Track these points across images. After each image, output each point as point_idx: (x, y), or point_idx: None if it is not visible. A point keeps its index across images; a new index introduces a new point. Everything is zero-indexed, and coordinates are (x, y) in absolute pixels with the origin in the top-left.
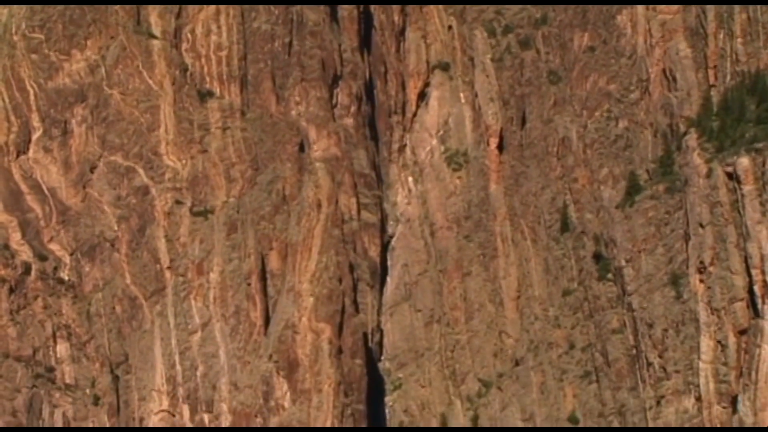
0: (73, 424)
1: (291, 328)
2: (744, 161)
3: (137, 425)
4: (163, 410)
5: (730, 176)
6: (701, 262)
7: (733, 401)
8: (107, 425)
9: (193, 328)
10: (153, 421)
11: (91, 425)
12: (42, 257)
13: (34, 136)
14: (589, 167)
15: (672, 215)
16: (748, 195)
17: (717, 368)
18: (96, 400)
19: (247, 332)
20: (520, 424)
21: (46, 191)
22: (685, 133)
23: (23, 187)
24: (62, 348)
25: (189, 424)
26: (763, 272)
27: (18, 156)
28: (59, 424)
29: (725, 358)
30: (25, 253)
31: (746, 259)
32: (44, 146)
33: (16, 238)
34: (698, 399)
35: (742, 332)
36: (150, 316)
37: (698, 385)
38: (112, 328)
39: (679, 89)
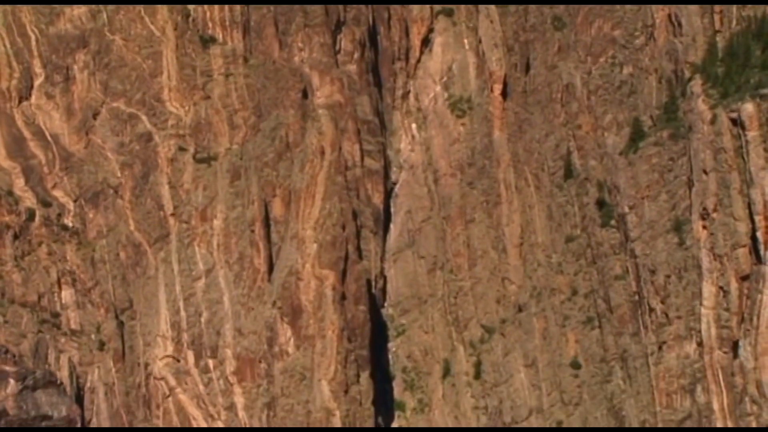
0: (78, 369)
1: (294, 274)
2: (748, 107)
3: (142, 370)
4: (168, 356)
5: (735, 122)
6: (704, 209)
7: (734, 346)
8: (113, 370)
9: (197, 274)
10: (158, 366)
11: (96, 370)
12: (46, 203)
13: (36, 82)
14: (593, 114)
15: (675, 162)
16: (752, 141)
17: (719, 314)
18: (101, 346)
19: (250, 279)
20: (522, 370)
21: (48, 137)
22: (689, 79)
23: (26, 133)
24: (67, 294)
25: (194, 370)
26: (766, 218)
27: (20, 102)
28: (65, 369)
29: (727, 303)
30: (29, 200)
31: (749, 206)
32: (46, 92)
33: (19, 184)
34: (699, 344)
35: (744, 278)
36: (154, 263)
37: (700, 331)
38: (116, 274)
39: (684, 35)
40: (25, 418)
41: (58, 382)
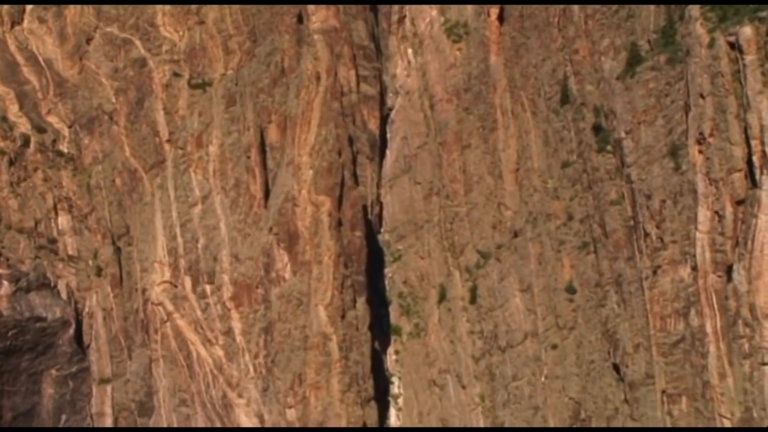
0: (77, 295)
1: (291, 200)
2: (747, 31)
3: (140, 296)
4: (165, 281)
5: (733, 46)
6: (701, 133)
7: (728, 270)
8: (110, 296)
9: (194, 200)
10: (156, 292)
11: (94, 296)
12: (40, 129)
13: (29, 7)
14: (590, 38)
15: (672, 86)
16: (749, 65)
17: (713, 238)
18: (99, 271)
19: (247, 205)
20: (518, 295)
21: (42, 63)
22: (687, 3)
23: (19, 59)
24: (64, 220)
25: (191, 295)
26: (762, 143)
27: (12, 27)
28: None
29: (722, 228)
30: (24, 125)
31: (746, 130)
32: (39, 17)
33: (13, 110)
34: (694, 268)
35: (740, 202)
36: (150, 189)
37: (694, 255)
38: (112, 200)
39: None
40: (19, 319)
41: (52, 284)
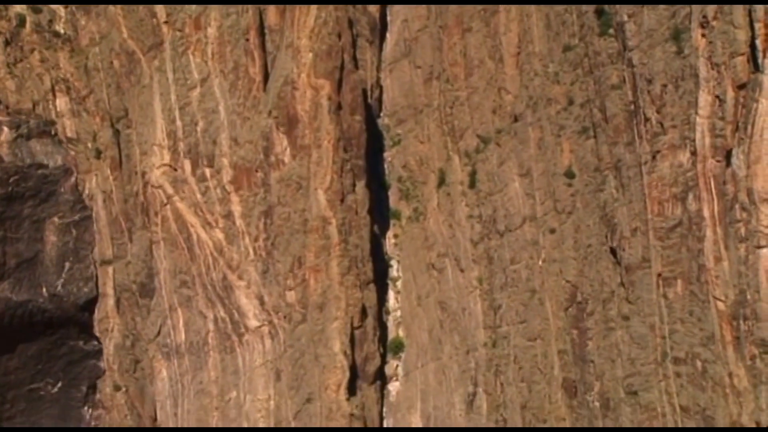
0: (77, 174)
1: (290, 84)
2: None
3: (140, 179)
4: (164, 164)
5: None
6: (704, 17)
7: (727, 155)
8: (110, 178)
9: (192, 83)
10: (155, 175)
11: (94, 178)
12: (36, 9)
13: None
14: None
15: None
16: None
17: (713, 123)
18: (98, 154)
19: (246, 88)
20: (517, 179)
21: None
22: None
23: None
24: (62, 102)
25: (191, 179)
26: (766, 26)
27: None
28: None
29: (722, 113)
30: (19, 5)
31: (750, 13)
32: None
33: None
34: (693, 153)
35: (741, 87)
36: (148, 71)
37: (694, 140)
38: (110, 82)
39: None
40: (21, 165)
41: (53, 132)
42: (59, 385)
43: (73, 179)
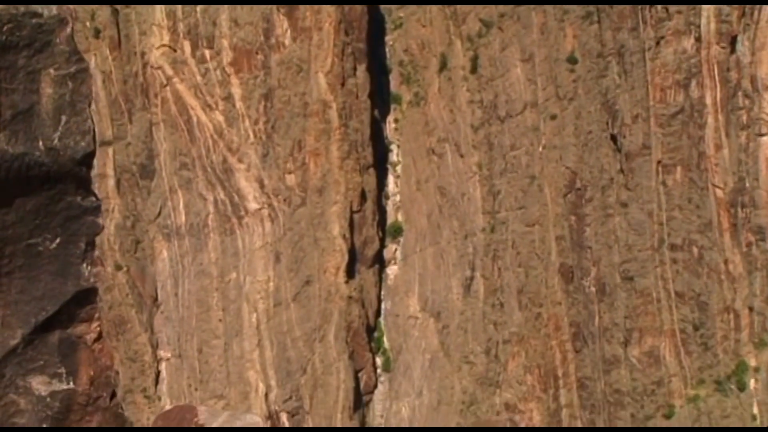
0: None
1: None
2: None
3: (139, 59)
4: (164, 45)
5: None
6: None
7: (732, 42)
8: (109, 58)
9: None
10: (155, 56)
11: (93, 58)
12: None
13: None
14: None
15: None
16: None
17: (719, 8)
18: (97, 33)
19: None
20: (519, 65)
21: None
22: None
23: None
24: None
25: (190, 60)
26: None
27: None
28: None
29: None
30: None
31: None
32: None
33: None
34: (698, 39)
35: None
36: None
37: (699, 26)
38: None
39: None
40: (14, 13)
41: None
42: (57, 240)
43: (68, 29)
